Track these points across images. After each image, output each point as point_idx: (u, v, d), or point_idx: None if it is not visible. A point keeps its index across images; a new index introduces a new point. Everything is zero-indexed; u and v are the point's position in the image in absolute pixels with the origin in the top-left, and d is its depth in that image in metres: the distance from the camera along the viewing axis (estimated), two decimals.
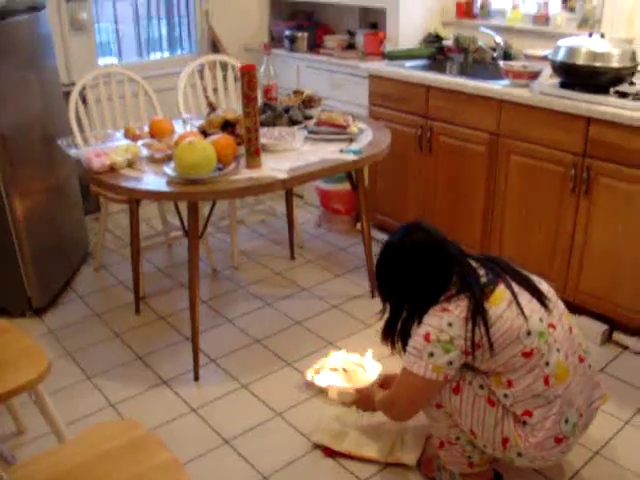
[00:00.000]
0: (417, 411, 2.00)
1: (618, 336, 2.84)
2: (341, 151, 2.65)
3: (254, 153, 2.46)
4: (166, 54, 4.49)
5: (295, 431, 2.37)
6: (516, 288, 1.86)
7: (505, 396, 1.85)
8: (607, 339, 2.86)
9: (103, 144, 2.67)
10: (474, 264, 1.93)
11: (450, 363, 1.81)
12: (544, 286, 1.96)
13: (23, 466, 1.55)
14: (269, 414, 2.46)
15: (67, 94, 3.39)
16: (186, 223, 2.58)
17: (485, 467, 2.06)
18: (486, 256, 2.02)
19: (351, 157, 2.60)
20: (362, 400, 2.29)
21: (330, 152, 2.64)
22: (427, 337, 1.81)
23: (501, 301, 1.81)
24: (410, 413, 2.00)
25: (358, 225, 3.93)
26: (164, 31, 4.45)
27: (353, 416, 2.37)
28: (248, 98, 2.38)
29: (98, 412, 2.48)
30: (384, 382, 2.25)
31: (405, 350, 1.94)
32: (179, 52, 4.53)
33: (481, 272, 1.89)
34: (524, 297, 1.85)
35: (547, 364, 1.81)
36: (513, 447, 1.87)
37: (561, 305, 1.97)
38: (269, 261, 3.65)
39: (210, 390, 2.60)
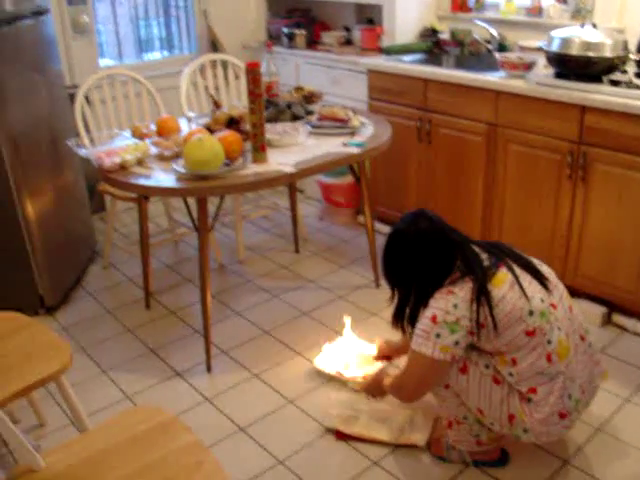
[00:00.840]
0: (426, 391, 2.07)
1: (617, 318, 2.92)
2: (344, 144, 2.73)
3: (260, 148, 2.53)
4: (165, 53, 4.55)
5: (307, 417, 2.44)
6: (517, 270, 1.94)
7: (510, 374, 1.92)
8: (607, 321, 2.94)
9: (111, 144, 2.74)
10: (477, 249, 2.01)
11: (456, 343, 1.89)
12: (544, 268, 2.05)
13: (53, 452, 1.62)
14: (281, 401, 2.53)
15: (71, 96, 3.46)
16: (195, 218, 2.65)
17: (493, 445, 2.15)
18: (488, 242, 2.11)
19: (355, 150, 2.68)
20: (371, 386, 2.37)
21: (334, 146, 2.72)
22: (434, 319, 1.89)
23: (503, 283, 1.89)
24: (419, 393, 2.08)
25: (360, 217, 4.01)
26: (162, 31, 4.51)
27: (363, 400, 2.45)
28: (253, 95, 2.45)
29: (115, 404, 2.55)
30: (387, 349, 2.38)
31: (414, 333, 2.02)
32: (178, 52, 4.60)
33: (483, 256, 1.98)
34: (525, 279, 1.93)
35: (549, 342, 1.89)
36: (519, 423, 1.94)
37: (561, 286, 2.05)
38: (274, 255, 3.72)
39: (223, 380, 2.67)
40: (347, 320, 2.75)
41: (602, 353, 2.73)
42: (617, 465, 2.17)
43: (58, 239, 3.22)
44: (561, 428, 1.95)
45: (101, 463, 1.57)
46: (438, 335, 1.89)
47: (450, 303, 1.88)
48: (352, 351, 2.66)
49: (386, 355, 2.49)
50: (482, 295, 1.86)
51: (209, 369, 2.73)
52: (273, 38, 4.56)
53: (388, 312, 2.15)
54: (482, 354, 1.96)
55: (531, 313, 1.87)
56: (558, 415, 1.92)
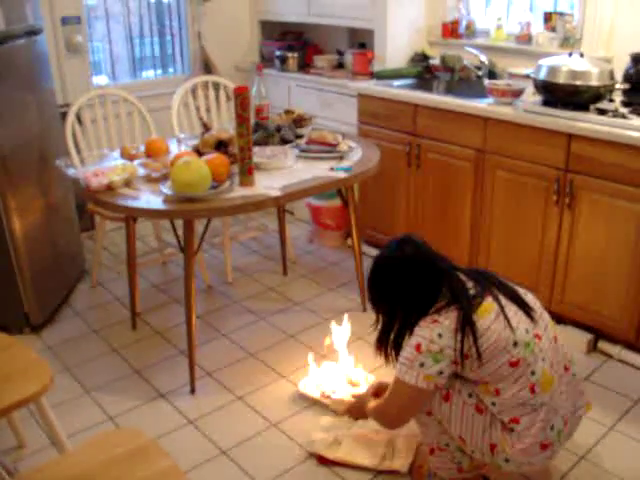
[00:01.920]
0: (408, 419, 2.07)
1: (603, 345, 2.93)
2: (332, 169, 2.74)
3: (247, 172, 2.54)
4: (159, 72, 4.58)
5: (290, 440, 2.43)
6: (503, 300, 1.93)
7: (493, 404, 1.91)
8: (592, 348, 2.95)
9: (100, 164, 2.74)
10: (463, 277, 1.99)
11: (440, 373, 1.88)
12: (530, 297, 2.03)
13: (28, 475, 1.61)
14: (264, 424, 2.52)
15: (63, 115, 3.47)
16: (182, 240, 2.66)
17: (474, 473, 2.14)
18: (475, 269, 2.09)
19: (341, 175, 2.69)
20: (354, 408, 2.37)
21: (321, 170, 2.73)
22: (418, 348, 1.88)
23: (489, 313, 1.88)
24: (401, 421, 2.07)
25: (349, 240, 4.01)
26: (156, 50, 4.54)
27: (346, 425, 2.44)
28: (241, 118, 2.47)
29: (97, 425, 2.53)
30: (377, 390, 2.32)
31: (397, 360, 2.01)
32: (172, 72, 4.63)
33: (469, 285, 1.96)
34: (511, 309, 1.92)
35: (533, 373, 1.88)
36: (500, 453, 1.93)
37: (546, 316, 2.04)
38: (262, 276, 3.72)
39: (206, 402, 2.66)
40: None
41: (587, 380, 2.74)
42: None
43: (46, 257, 3.22)
44: (542, 459, 1.94)
45: None
46: (422, 364, 1.88)
47: (435, 332, 1.87)
48: (337, 375, 2.65)
49: (375, 393, 2.46)
50: (467, 325, 1.85)
51: (193, 391, 2.72)
52: (266, 60, 4.60)
53: (374, 336, 2.15)
54: (465, 383, 1.95)
55: (515, 344, 1.86)
56: (540, 446, 1.90)
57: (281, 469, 2.30)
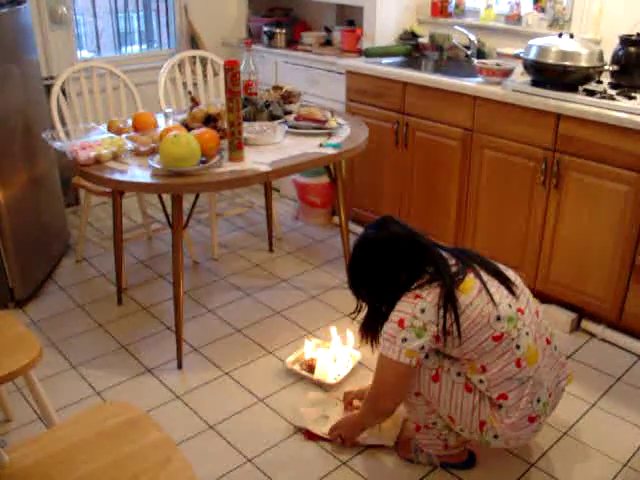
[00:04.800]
0: (400, 396, 2.03)
1: (586, 324, 2.97)
2: (321, 145, 2.73)
3: (237, 147, 2.52)
4: (143, 47, 4.52)
5: (277, 416, 2.45)
6: (485, 276, 1.95)
7: (480, 382, 1.93)
8: (575, 327, 2.99)
9: (87, 137, 2.71)
10: (445, 254, 2.02)
11: (422, 348, 1.89)
12: (510, 273, 2.06)
13: (20, 447, 1.60)
14: (251, 400, 2.53)
15: (47, 88, 3.42)
16: (170, 215, 2.64)
17: (460, 448, 2.17)
18: (456, 248, 2.12)
19: (331, 151, 2.68)
20: (343, 428, 2.27)
21: (310, 146, 2.72)
22: (401, 323, 1.89)
23: (471, 289, 1.90)
24: (397, 398, 2.04)
25: (335, 218, 4.02)
26: (142, 24, 4.47)
27: (333, 401, 2.46)
28: (231, 93, 2.45)
29: (84, 400, 2.53)
30: (356, 395, 2.39)
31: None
32: (157, 46, 4.57)
33: (451, 262, 1.98)
34: (492, 284, 1.94)
35: (518, 347, 1.90)
36: (490, 430, 1.96)
37: (527, 291, 2.06)
38: (248, 253, 3.72)
39: (194, 378, 2.66)
40: (333, 330, 2.74)
41: (570, 358, 2.78)
42: (581, 469, 2.21)
43: (30, 232, 3.18)
44: (530, 432, 1.97)
45: (69, 458, 1.55)
46: (404, 339, 1.89)
47: (417, 308, 1.88)
48: (324, 352, 2.67)
49: (355, 398, 2.41)
50: (449, 301, 1.86)
51: (180, 366, 2.72)
52: (253, 36, 4.55)
53: (358, 315, 2.16)
54: (454, 362, 1.97)
55: (498, 319, 1.88)
56: (528, 419, 1.94)
57: (268, 444, 2.31)
